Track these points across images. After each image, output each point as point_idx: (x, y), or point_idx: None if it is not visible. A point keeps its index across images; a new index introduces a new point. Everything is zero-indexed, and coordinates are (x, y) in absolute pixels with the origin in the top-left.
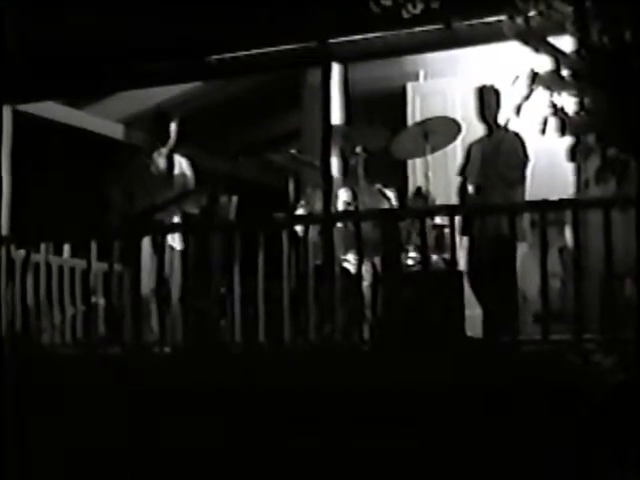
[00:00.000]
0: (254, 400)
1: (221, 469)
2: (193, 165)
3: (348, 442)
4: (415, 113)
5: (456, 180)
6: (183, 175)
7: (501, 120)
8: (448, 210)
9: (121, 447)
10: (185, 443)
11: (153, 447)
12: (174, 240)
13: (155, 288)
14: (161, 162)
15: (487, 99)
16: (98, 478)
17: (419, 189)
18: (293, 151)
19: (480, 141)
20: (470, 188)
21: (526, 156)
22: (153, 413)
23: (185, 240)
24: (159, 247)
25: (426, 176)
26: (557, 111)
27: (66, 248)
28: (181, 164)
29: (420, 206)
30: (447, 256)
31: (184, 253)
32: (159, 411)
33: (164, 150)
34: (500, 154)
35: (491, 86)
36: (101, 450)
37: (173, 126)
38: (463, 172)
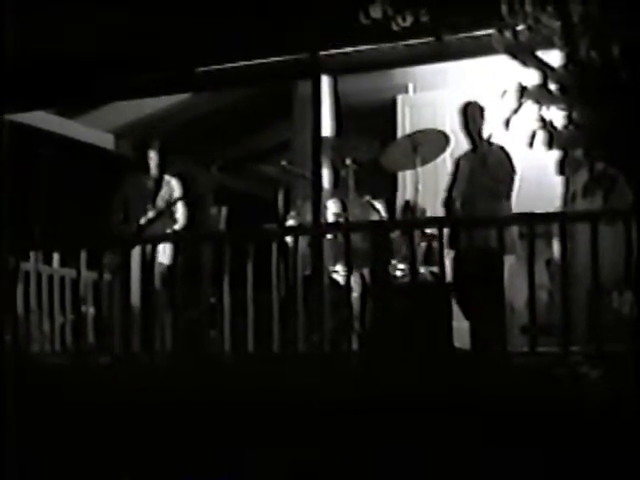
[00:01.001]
0: (244, 410)
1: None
2: (184, 184)
3: (338, 453)
4: (405, 125)
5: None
6: (170, 194)
7: (485, 134)
8: (437, 222)
9: (110, 457)
10: (175, 453)
11: (143, 457)
12: (163, 255)
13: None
14: (150, 184)
15: (471, 114)
16: None
17: (407, 202)
18: (284, 162)
19: (465, 156)
20: (457, 203)
21: (513, 169)
22: (142, 422)
23: (175, 253)
24: (148, 258)
25: (416, 188)
26: (545, 125)
27: (56, 257)
28: (170, 183)
29: (409, 218)
30: (435, 268)
31: (173, 264)
32: (148, 421)
33: (153, 172)
34: (487, 168)
35: (475, 102)
36: (89, 459)
37: (152, 152)
38: (451, 189)
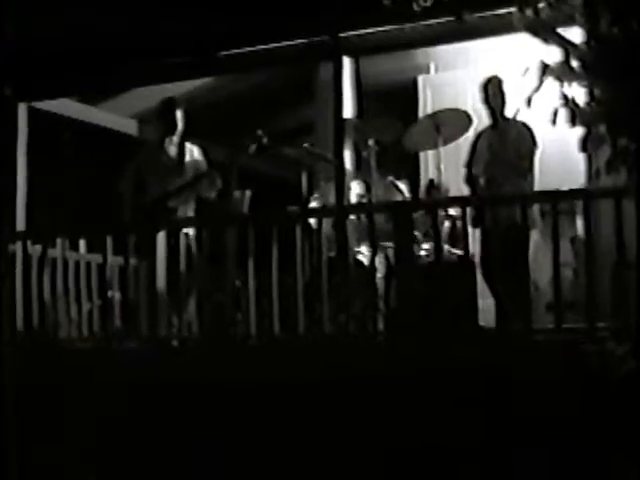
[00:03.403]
0: (269, 393)
1: (236, 462)
2: (205, 153)
3: (364, 434)
4: (426, 105)
5: None
6: (195, 162)
7: (508, 111)
8: (460, 201)
9: (137, 441)
10: (201, 438)
11: (167, 442)
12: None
13: (171, 282)
14: (172, 150)
15: (492, 89)
16: (111, 470)
17: (432, 181)
18: (306, 145)
19: (485, 132)
20: (481, 180)
21: (535, 144)
22: (168, 407)
23: (199, 231)
24: (174, 241)
25: (438, 168)
26: (567, 102)
27: (82, 243)
28: (192, 151)
29: (432, 198)
30: (460, 247)
31: (199, 242)
32: (175, 405)
33: (175, 138)
34: (508, 144)
35: (496, 77)
36: (117, 444)
37: (179, 113)
38: (470, 164)
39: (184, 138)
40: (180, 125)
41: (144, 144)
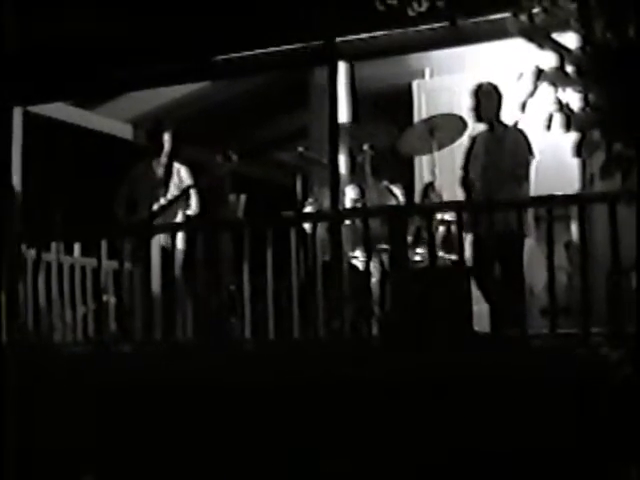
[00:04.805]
0: (264, 396)
1: (231, 465)
2: (193, 172)
3: (356, 437)
4: (421, 110)
5: None
6: (180, 182)
7: (504, 118)
8: (455, 206)
9: (130, 444)
10: (195, 440)
11: (162, 445)
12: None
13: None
14: (160, 171)
15: (485, 97)
16: (106, 474)
17: (431, 184)
18: (301, 149)
19: (481, 136)
20: (477, 185)
21: (531, 152)
22: (163, 411)
23: (192, 241)
24: (169, 246)
25: (433, 172)
26: (562, 107)
27: (77, 247)
28: (180, 171)
29: (427, 202)
30: (454, 252)
31: (190, 251)
32: (169, 408)
33: (163, 159)
34: (504, 150)
35: (488, 83)
36: (110, 447)
37: (167, 135)
38: (467, 167)
39: (172, 159)
40: (167, 146)
41: (136, 162)
